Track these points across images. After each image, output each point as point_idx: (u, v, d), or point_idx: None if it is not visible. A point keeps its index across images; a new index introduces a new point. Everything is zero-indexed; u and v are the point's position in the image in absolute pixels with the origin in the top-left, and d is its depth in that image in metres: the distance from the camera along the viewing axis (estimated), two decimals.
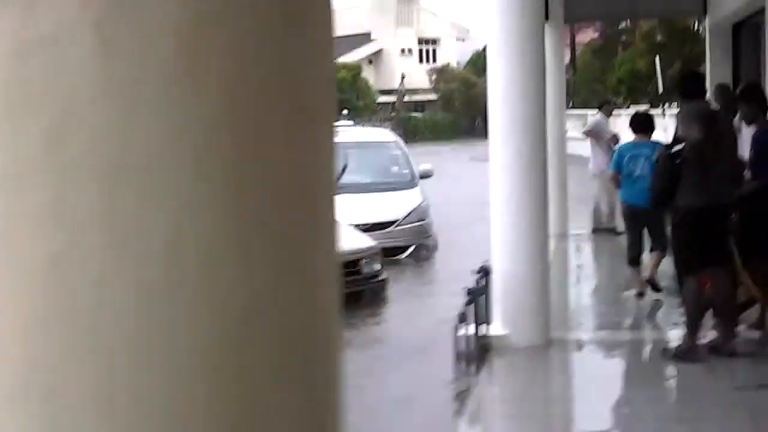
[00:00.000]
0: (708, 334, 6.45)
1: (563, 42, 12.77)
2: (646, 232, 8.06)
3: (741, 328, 6.52)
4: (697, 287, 6.18)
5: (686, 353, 6.17)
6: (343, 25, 54.37)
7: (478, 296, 6.43)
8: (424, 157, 18.41)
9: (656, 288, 7.91)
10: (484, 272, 6.62)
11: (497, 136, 6.65)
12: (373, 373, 7.09)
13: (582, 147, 28.00)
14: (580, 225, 13.00)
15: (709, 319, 6.67)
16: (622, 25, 33.98)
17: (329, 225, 0.81)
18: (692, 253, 6.17)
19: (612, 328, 7.43)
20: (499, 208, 6.70)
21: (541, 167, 6.69)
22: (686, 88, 6.42)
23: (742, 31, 11.82)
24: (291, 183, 0.74)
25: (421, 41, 59.08)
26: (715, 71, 12.37)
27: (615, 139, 12.69)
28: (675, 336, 6.53)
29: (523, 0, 6.53)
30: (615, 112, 13.88)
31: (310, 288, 0.77)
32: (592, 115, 12.94)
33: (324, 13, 0.79)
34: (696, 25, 24.57)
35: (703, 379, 5.91)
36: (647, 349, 6.91)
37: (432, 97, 53.40)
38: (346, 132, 14.07)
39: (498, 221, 6.72)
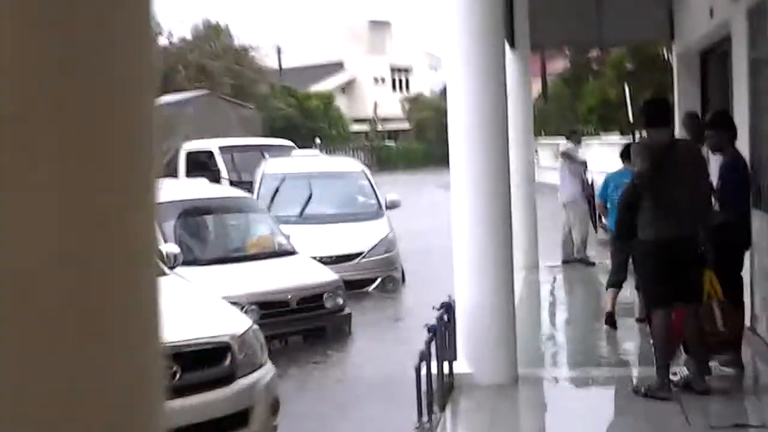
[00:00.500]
0: (680, 371, 6.22)
1: (532, 70, 12.60)
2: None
3: (714, 365, 6.28)
4: (665, 322, 5.94)
5: (657, 391, 5.92)
6: (315, 53, 54.51)
7: (440, 332, 6.14)
8: (395, 185, 18.23)
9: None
10: (447, 307, 6.34)
11: (458, 165, 6.40)
12: (334, 412, 6.81)
13: (554, 175, 28.05)
14: (554, 256, 12.81)
15: (681, 354, 6.47)
16: (592, 53, 34.10)
17: (147, 216, 0.71)
18: (656, 286, 5.95)
19: (582, 365, 7.18)
20: (462, 240, 6.45)
21: (504, 197, 6.45)
22: (650, 115, 6.21)
23: (710, 59, 11.72)
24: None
25: (394, 70, 59.21)
26: (683, 99, 12.26)
27: (585, 165, 12.58)
28: (646, 373, 6.26)
29: (481, 24, 6.28)
30: (586, 140, 13.76)
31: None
32: (563, 144, 12.78)
33: None
34: (665, 53, 24.63)
35: (675, 418, 5.64)
36: (618, 387, 6.63)
37: (405, 125, 53.38)
38: (312, 161, 13.85)
39: (460, 253, 6.46)
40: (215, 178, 16.11)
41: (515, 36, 11.95)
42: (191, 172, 17.73)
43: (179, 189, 10.25)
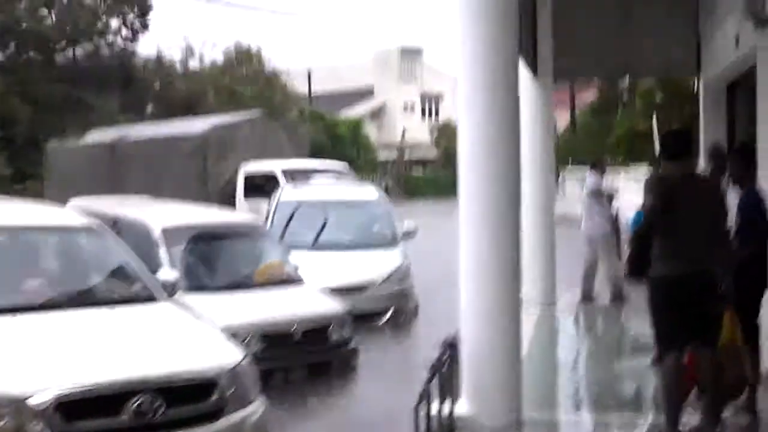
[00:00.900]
0: (691, 419, 5.93)
1: (561, 101, 12.38)
2: None
3: (728, 413, 5.98)
4: (675, 367, 5.65)
5: None
6: (346, 80, 54.65)
7: (442, 372, 5.91)
8: (420, 214, 17.95)
9: None
10: (449, 345, 6.10)
11: (464, 195, 6.17)
12: None
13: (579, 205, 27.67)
14: (574, 292, 12.51)
15: (692, 401, 6.17)
16: (622, 85, 33.84)
17: None
18: (667, 328, 5.68)
19: (590, 409, 6.88)
20: (467, 274, 6.20)
21: (513, 229, 6.19)
22: (669, 146, 5.95)
23: (737, 90, 11.45)
24: None
25: (424, 97, 59.16)
26: (708, 131, 11.97)
27: (610, 197, 12.26)
28: (659, 420, 5.97)
29: (494, 49, 6.05)
30: (614, 169, 13.44)
31: None
32: (589, 176, 12.40)
33: None
34: (695, 85, 24.31)
35: None
36: None
37: (434, 153, 53.22)
38: (328, 188, 13.68)
39: (466, 289, 6.21)
40: None
41: (538, 64, 11.78)
42: (251, 194, 17.87)
43: (189, 214, 10.14)
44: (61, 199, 15.49)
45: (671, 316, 5.62)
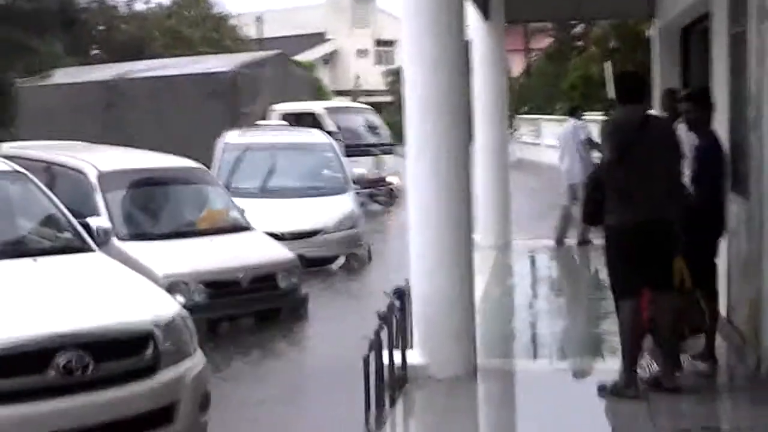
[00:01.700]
0: (649, 366, 5.80)
1: (507, 44, 12.09)
2: None
3: (686, 358, 5.86)
4: (632, 313, 5.50)
5: (624, 389, 5.51)
6: (298, 24, 53.72)
7: (392, 320, 5.68)
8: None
9: None
10: (400, 293, 5.87)
11: (413, 142, 5.91)
12: (279, 401, 6.37)
13: (534, 152, 27.67)
14: (531, 236, 12.40)
15: (649, 348, 6.04)
16: (576, 30, 33.66)
17: None
18: (624, 275, 5.51)
19: (547, 356, 6.72)
20: (417, 221, 5.97)
21: (463, 173, 5.95)
22: (624, 90, 5.72)
23: (691, 36, 11.27)
24: None
25: (377, 42, 58.46)
26: (662, 76, 11.83)
27: (593, 145, 11.98)
28: (615, 366, 5.82)
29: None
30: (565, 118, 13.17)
31: None
32: (574, 122, 12.01)
33: None
34: (648, 31, 24.20)
35: (642, 419, 5.24)
36: (583, 382, 6.20)
37: (388, 99, 52.73)
38: (277, 133, 13.29)
39: (416, 235, 5.99)
40: None
41: (490, 8, 11.50)
42: None
43: (127, 158, 9.70)
44: None
45: (627, 263, 5.50)
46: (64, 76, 23.06)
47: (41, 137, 13.71)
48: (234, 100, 18.19)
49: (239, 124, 15.72)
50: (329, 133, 16.19)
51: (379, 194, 17.87)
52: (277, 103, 18.51)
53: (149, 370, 4.68)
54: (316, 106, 18.89)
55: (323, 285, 10.03)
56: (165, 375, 4.72)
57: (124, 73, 20.88)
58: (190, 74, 19.60)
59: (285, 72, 20.66)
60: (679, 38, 11.75)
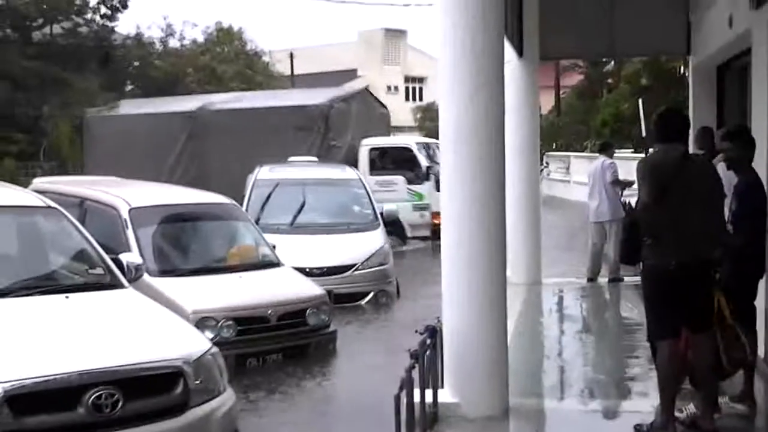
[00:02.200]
0: (686, 408, 5.67)
1: (538, 81, 12.04)
2: None
3: (724, 401, 5.72)
4: (670, 354, 5.38)
5: (661, 430, 5.37)
6: (329, 61, 54.13)
7: (423, 358, 5.60)
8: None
9: None
10: (431, 331, 5.79)
11: (448, 179, 5.86)
12: None
13: (562, 188, 27.54)
14: (560, 272, 12.29)
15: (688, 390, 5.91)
16: (608, 68, 33.65)
17: None
18: (663, 316, 5.40)
19: (578, 397, 6.59)
20: (450, 258, 5.90)
21: (498, 211, 5.89)
22: (663, 128, 5.63)
23: (728, 73, 11.19)
24: None
25: (407, 79, 58.74)
26: (698, 115, 11.72)
27: (625, 184, 11.85)
28: (650, 408, 5.69)
29: (478, 28, 5.73)
30: (595, 155, 13.03)
31: None
32: (604, 160, 11.85)
33: None
34: (682, 68, 24.13)
35: None
36: (617, 423, 6.06)
37: (418, 135, 52.87)
38: (307, 168, 13.33)
39: (449, 272, 5.92)
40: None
41: (524, 45, 11.50)
42: (378, 170, 17.56)
43: (159, 194, 9.74)
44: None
45: (666, 304, 5.38)
46: (129, 107, 22.82)
47: (110, 169, 13.81)
48: (326, 134, 18.10)
49: (331, 158, 15.71)
50: (428, 168, 16.72)
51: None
52: (361, 137, 18.53)
53: (179, 407, 4.64)
54: (409, 141, 18.88)
55: (353, 321, 9.97)
56: (195, 413, 4.68)
57: (207, 104, 20.51)
58: (279, 107, 19.35)
59: (367, 106, 20.60)
60: (715, 75, 11.67)
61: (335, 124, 18.42)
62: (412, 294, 11.62)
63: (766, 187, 6.19)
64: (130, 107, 22.74)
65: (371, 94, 22.52)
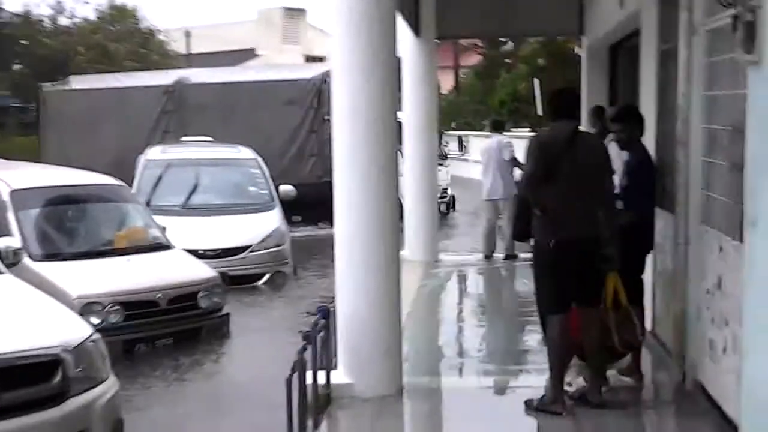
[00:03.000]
0: (575, 382, 5.75)
1: (437, 61, 12.01)
2: None
3: (612, 374, 5.82)
4: (560, 329, 5.44)
5: (551, 404, 5.43)
6: (227, 40, 53.23)
7: (316, 340, 5.51)
8: None
9: None
10: (324, 312, 5.70)
11: (340, 158, 5.76)
12: (199, 425, 6.14)
13: (459, 167, 27.78)
14: (458, 250, 12.38)
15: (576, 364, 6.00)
16: (506, 48, 34.07)
17: None
18: (552, 292, 5.45)
19: (475, 373, 6.62)
20: (343, 238, 5.81)
21: (390, 190, 5.81)
22: (556, 106, 5.67)
23: (619, 53, 11.42)
24: None
25: (308, 59, 58.26)
26: (591, 94, 11.94)
27: (517, 163, 11.96)
28: (543, 383, 5.74)
29: (370, 4, 5.64)
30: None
31: None
32: (499, 138, 11.84)
33: None
34: (576, 48, 24.58)
35: None
36: (510, 400, 6.11)
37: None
38: (201, 148, 13.02)
39: (342, 253, 5.83)
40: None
41: (420, 25, 11.47)
42: None
43: (43, 175, 9.35)
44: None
45: (555, 280, 5.43)
46: (81, 82, 20.97)
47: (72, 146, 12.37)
48: (318, 108, 17.30)
49: (324, 132, 14.93)
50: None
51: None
52: None
53: (58, 397, 4.44)
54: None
55: (248, 303, 9.81)
56: (74, 402, 4.49)
57: (184, 78, 19.17)
58: (267, 81, 18.39)
59: None
60: (607, 55, 11.89)
61: (326, 99, 17.86)
62: (311, 275, 11.52)
63: (654, 164, 6.33)
64: (83, 83, 20.82)
65: None
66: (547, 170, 5.33)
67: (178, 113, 17.95)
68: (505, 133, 12.65)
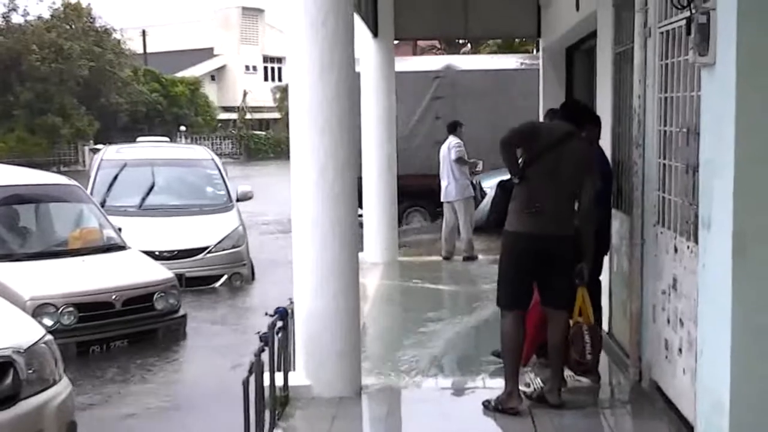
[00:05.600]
0: (534, 382, 5.78)
1: (392, 61, 11.97)
2: None
3: (570, 374, 5.86)
4: (515, 325, 5.47)
5: (507, 403, 5.44)
6: (184, 39, 52.83)
7: (273, 341, 5.47)
8: (263, 174, 17.30)
9: None
10: (281, 313, 5.66)
11: (297, 159, 5.74)
12: (154, 428, 6.05)
13: None
14: (418, 252, 12.39)
15: (535, 363, 6.04)
16: (464, 50, 34.20)
17: None
18: (511, 285, 5.48)
19: (434, 374, 6.61)
20: (300, 239, 5.79)
21: (349, 190, 5.79)
22: (565, 115, 5.77)
23: (576, 54, 11.52)
24: None
25: (266, 59, 58.04)
26: (548, 96, 12.02)
27: (473, 164, 11.99)
28: (500, 384, 5.75)
29: (330, 4, 5.62)
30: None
31: None
32: (454, 141, 11.82)
33: None
34: (535, 50, 24.76)
35: None
36: (468, 399, 6.10)
37: (276, 115, 52.39)
38: (157, 148, 12.88)
39: (299, 254, 5.80)
40: None
41: (379, 25, 11.47)
42: None
43: None
44: None
45: (515, 274, 5.45)
46: None
47: None
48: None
49: None
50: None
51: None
52: None
53: (9, 399, 4.34)
54: None
55: (205, 305, 9.71)
56: (27, 404, 4.40)
57: (453, 65, 18.04)
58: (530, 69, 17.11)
59: None
60: (564, 57, 11.99)
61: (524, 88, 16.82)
62: (269, 276, 11.44)
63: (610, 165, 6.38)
64: None
65: None
66: (530, 151, 5.39)
67: (449, 99, 17.10)
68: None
